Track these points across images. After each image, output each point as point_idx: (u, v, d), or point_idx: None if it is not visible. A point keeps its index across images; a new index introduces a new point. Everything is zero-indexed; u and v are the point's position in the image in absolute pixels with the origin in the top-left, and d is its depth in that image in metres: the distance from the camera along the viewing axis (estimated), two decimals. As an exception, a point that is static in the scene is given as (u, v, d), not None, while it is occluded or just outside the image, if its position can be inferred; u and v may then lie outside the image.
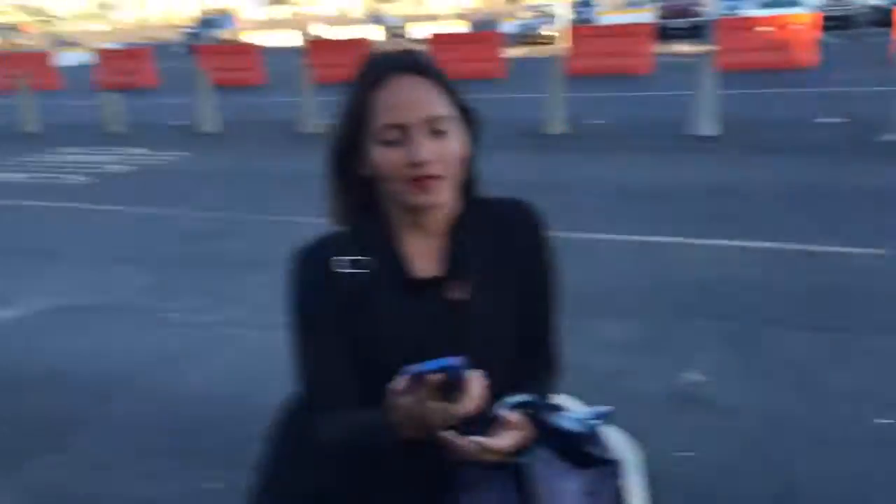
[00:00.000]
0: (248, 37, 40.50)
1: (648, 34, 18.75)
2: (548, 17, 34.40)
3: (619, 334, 4.44)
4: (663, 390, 3.76)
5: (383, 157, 1.33)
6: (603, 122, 11.65)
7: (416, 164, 1.31)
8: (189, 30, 43.76)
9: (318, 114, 12.26)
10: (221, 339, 4.68)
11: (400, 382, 1.19)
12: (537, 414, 1.31)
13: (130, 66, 22.24)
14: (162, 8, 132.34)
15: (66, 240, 7.15)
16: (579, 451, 1.33)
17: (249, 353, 4.46)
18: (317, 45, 22.17)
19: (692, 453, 3.21)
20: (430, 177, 1.33)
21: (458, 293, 1.40)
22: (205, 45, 27.54)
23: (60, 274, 6.08)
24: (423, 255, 1.42)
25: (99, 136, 13.23)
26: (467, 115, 1.41)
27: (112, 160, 11.02)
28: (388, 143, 1.33)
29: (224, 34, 40.42)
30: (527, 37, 31.94)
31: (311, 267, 1.41)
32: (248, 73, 20.81)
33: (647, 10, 33.46)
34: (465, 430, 1.22)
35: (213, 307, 5.20)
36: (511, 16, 41.04)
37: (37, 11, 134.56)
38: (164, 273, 5.93)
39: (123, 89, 17.83)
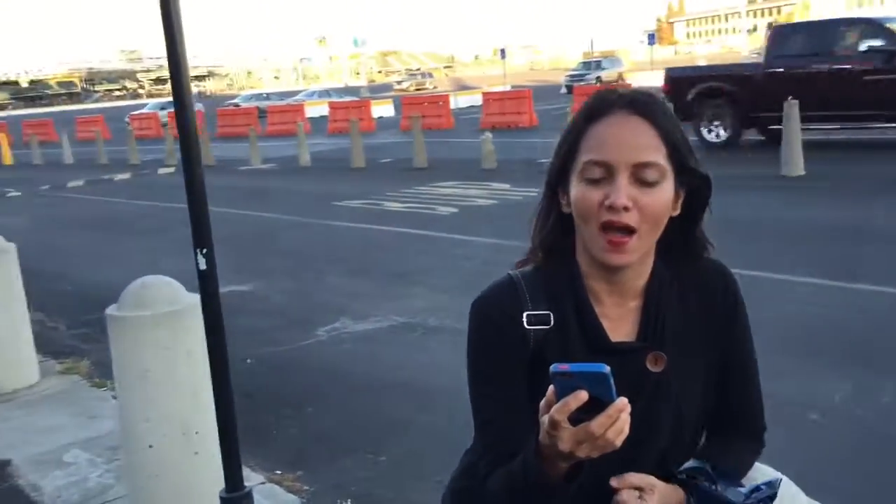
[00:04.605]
0: (632, 77, 41.10)
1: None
2: None
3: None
4: None
5: (582, 195, 1.27)
6: None
7: (611, 208, 1.24)
8: (573, 72, 45.57)
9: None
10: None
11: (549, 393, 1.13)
12: (702, 483, 1.24)
13: (511, 107, 23.83)
14: (553, 53, 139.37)
15: (426, 265, 7.90)
16: None
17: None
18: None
19: None
20: (623, 226, 1.25)
21: (655, 364, 1.33)
22: (579, 86, 28.57)
23: (415, 295, 6.74)
24: (617, 316, 1.35)
25: (476, 172, 14.36)
26: (689, 174, 1.30)
27: (480, 194, 11.92)
28: (591, 181, 1.27)
29: (608, 75, 41.46)
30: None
31: (491, 317, 1.35)
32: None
33: None
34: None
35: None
36: None
37: (446, 60, 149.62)
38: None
39: (504, 128, 19.17)
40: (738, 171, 11.03)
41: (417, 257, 8.30)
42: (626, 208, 1.24)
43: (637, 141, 1.26)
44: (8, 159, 26.52)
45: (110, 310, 3.38)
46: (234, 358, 5.50)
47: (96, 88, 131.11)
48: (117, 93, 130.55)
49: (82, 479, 3.92)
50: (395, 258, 8.30)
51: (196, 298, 3.57)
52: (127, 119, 36.46)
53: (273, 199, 13.48)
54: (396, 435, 4.12)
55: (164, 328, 3.19)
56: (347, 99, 36.96)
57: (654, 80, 36.61)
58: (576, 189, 1.29)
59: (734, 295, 1.41)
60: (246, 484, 3.78)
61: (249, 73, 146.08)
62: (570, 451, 1.13)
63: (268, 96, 45.49)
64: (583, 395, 1.09)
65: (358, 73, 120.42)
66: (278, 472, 3.83)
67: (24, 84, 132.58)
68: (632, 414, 1.25)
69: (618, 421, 1.11)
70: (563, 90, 38.70)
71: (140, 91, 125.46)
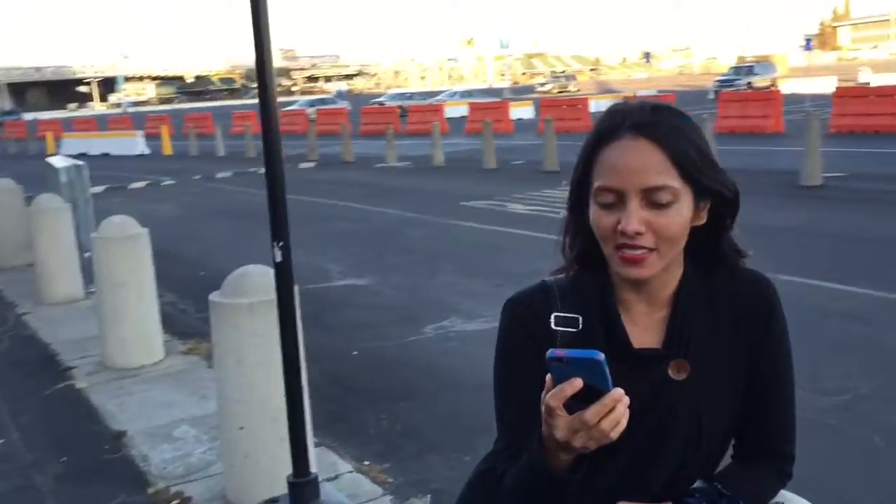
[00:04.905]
0: (786, 84, 39.25)
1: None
2: None
3: None
4: None
5: (597, 218, 1.29)
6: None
7: (624, 234, 1.26)
8: (723, 77, 43.97)
9: (825, 166, 11.52)
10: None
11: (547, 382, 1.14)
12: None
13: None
14: (705, 56, 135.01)
15: (543, 269, 7.84)
16: None
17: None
18: (842, 94, 20.90)
19: None
20: (639, 248, 1.26)
21: (678, 372, 1.31)
22: (725, 92, 27.54)
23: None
24: (643, 325, 1.35)
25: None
26: (706, 189, 1.29)
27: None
28: (604, 206, 1.28)
29: (759, 81, 39.77)
30: None
31: (522, 317, 1.39)
32: (764, 121, 20.32)
33: None
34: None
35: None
36: None
37: (591, 62, 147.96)
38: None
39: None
40: None
41: (535, 261, 8.25)
42: (638, 233, 1.25)
43: (645, 165, 1.25)
44: (168, 150, 28.33)
45: (213, 296, 3.57)
46: (342, 350, 5.72)
47: (254, 85, 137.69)
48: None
49: (187, 454, 4.15)
50: (512, 260, 8.30)
51: (294, 290, 3.72)
52: (279, 115, 38.05)
53: (402, 196, 13.75)
54: (486, 437, 4.11)
55: (259, 316, 3.33)
56: (488, 100, 37.17)
57: (809, 87, 35.00)
58: (592, 211, 1.31)
59: (770, 305, 1.35)
60: (336, 472, 3.93)
61: (397, 72, 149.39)
62: (566, 440, 1.14)
63: (411, 96, 46.41)
64: (577, 383, 1.10)
65: (503, 75, 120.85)
66: (367, 462, 3.92)
67: (190, 79, 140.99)
68: (649, 420, 1.25)
69: (613, 412, 1.11)
70: (711, 95, 37.42)
71: (294, 88, 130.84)
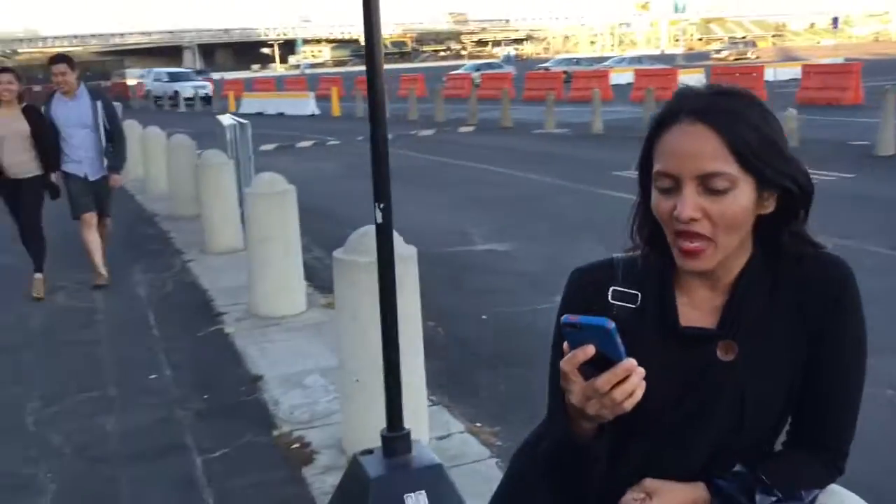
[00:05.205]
0: None
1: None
2: None
3: None
4: None
5: (657, 203, 1.30)
6: None
7: (679, 220, 1.25)
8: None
9: None
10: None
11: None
12: (722, 484, 1.18)
13: (834, 81, 21.76)
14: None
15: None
16: None
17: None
18: None
19: None
20: (694, 236, 1.25)
21: (726, 353, 1.29)
22: (808, 63, 25.38)
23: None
24: (704, 308, 1.33)
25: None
26: (769, 179, 1.26)
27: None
28: (662, 191, 1.28)
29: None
30: None
31: (584, 288, 1.41)
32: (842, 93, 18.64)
33: None
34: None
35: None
36: None
37: (775, 28, 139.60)
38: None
39: (823, 104, 17.66)
40: None
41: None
42: (693, 219, 1.24)
43: (701, 151, 1.23)
44: (337, 111, 29.38)
45: (336, 252, 3.73)
46: (473, 313, 5.81)
47: (424, 49, 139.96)
48: (442, 53, 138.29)
49: (314, 402, 4.39)
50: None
51: (412, 251, 3.82)
52: (444, 78, 38.54)
53: (554, 163, 13.64)
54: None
55: (375, 274, 3.45)
56: (657, 66, 35.95)
57: None
58: (653, 195, 1.31)
59: (839, 289, 1.29)
60: (447, 431, 4.04)
61: (567, 37, 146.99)
62: (581, 405, 1.16)
63: (578, 61, 45.66)
64: (590, 350, 1.12)
65: (677, 40, 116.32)
66: (478, 424, 4.00)
67: (364, 43, 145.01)
68: (692, 399, 1.26)
69: (626, 382, 1.12)
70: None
71: (462, 52, 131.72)
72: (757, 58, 55.17)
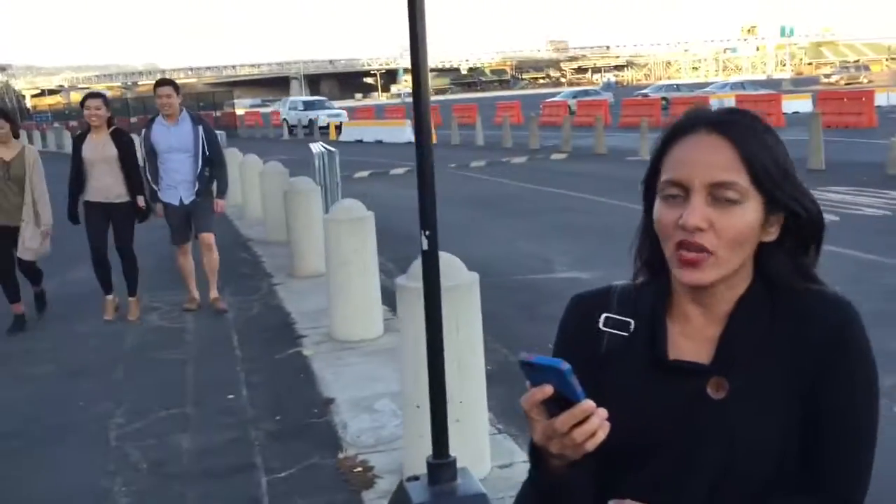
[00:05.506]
0: None
1: None
2: None
3: None
4: None
5: (660, 213, 1.26)
6: None
7: (685, 228, 1.20)
8: None
9: None
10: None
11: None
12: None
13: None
14: None
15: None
16: None
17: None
18: None
19: None
20: (696, 247, 1.20)
21: (717, 390, 1.23)
22: (823, 91, 23.92)
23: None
24: (699, 339, 1.28)
25: (878, 178, 12.83)
26: (781, 202, 1.22)
27: (871, 202, 10.65)
28: (668, 200, 1.24)
29: None
30: None
31: (579, 314, 1.38)
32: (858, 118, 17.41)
33: None
34: None
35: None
36: None
37: (889, 51, 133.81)
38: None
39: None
40: None
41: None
42: (699, 228, 1.19)
43: (714, 160, 1.20)
44: (433, 138, 29.74)
45: (400, 279, 3.78)
46: (544, 341, 5.74)
47: (523, 77, 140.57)
48: (541, 81, 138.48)
49: (381, 427, 4.43)
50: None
51: (474, 278, 3.83)
52: (540, 106, 38.55)
53: (647, 191, 13.39)
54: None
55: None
56: (760, 92, 34.97)
57: None
58: (656, 207, 1.28)
59: (842, 330, 1.21)
60: (511, 460, 4.00)
61: (668, 63, 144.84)
62: (543, 444, 1.15)
63: (678, 87, 44.86)
64: (547, 390, 1.10)
65: (784, 65, 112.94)
66: (542, 455, 3.94)
67: (464, 71, 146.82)
68: (678, 436, 1.22)
69: (586, 423, 1.10)
70: None
71: (562, 80, 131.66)
72: (870, 82, 52.95)
